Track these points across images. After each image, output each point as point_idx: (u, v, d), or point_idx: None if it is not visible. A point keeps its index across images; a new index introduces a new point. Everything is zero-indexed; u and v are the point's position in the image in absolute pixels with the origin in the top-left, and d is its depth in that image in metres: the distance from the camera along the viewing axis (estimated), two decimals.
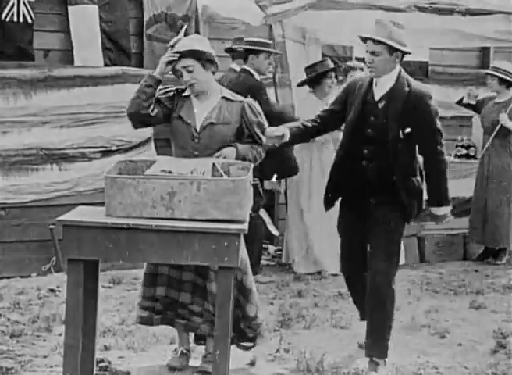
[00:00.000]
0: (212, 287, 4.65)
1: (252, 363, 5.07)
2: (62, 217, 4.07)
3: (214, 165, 4.43)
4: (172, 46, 4.63)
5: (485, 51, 9.87)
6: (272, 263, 8.05)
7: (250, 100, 4.85)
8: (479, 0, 8.59)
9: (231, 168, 4.47)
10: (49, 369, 4.88)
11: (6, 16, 7.48)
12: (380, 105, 4.86)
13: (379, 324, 4.89)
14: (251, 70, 7.26)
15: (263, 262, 7.85)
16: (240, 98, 4.81)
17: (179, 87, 4.82)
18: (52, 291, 6.67)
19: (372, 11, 7.95)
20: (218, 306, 4.04)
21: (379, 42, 4.74)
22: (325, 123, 5.08)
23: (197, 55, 4.63)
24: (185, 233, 3.97)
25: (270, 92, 7.70)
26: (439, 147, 4.89)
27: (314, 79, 7.57)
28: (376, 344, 4.91)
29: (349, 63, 8.28)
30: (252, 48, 7.28)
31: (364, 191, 4.94)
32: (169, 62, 4.62)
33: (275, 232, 4.59)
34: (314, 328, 5.71)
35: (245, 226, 4.03)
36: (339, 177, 5.04)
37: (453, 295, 6.99)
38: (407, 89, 4.82)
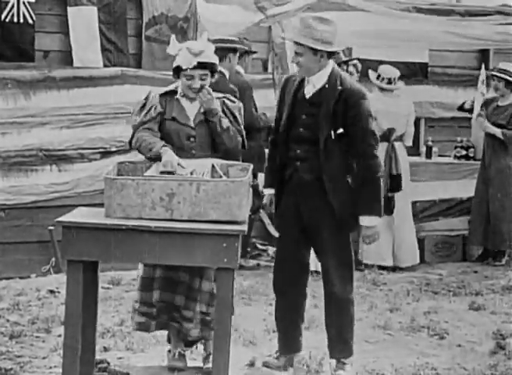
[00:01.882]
0: (206, 286, 4.66)
1: (252, 364, 5.07)
2: (61, 218, 4.08)
3: (213, 166, 4.44)
4: (197, 55, 4.61)
5: (484, 53, 9.87)
6: (271, 264, 8.05)
7: (228, 95, 4.89)
8: (479, 1, 8.60)
9: (230, 169, 4.49)
10: (48, 371, 4.87)
11: (6, 17, 7.49)
12: (311, 104, 4.69)
13: (346, 328, 4.85)
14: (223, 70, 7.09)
15: (262, 263, 7.85)
16: (220, 94, 4.84)
17: (167, 89, 4.81)
18: (52, 292, 6.67)
19: (372, 12, 7.96)
20: (218, 307, 4.04)
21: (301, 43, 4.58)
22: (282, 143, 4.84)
23: (213, 68, 4.69)
24: (184, 234, 3.97)
25: (270, 92, 7.72)
26: (370, 149, 4.64)
27: None
28: (344, 347, 4.88)
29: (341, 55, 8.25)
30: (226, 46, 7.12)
31: (298, 192, 4.78)
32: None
33: (274, 233, 4.59)
34: (314, 329, 5.70)
35: (244, 227, 4.04)
36: (277, 177, 4.85)
37: (452, 296, 6.99)
38: (339, 88, 4.63)
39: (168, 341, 4.99)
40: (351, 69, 8.27)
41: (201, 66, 4.62)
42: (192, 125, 4.71)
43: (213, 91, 4.76)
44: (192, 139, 4.69)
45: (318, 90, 4.68)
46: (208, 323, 4.73)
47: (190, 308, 4.70)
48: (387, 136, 7.82)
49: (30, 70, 7.57)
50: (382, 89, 7.93)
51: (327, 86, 4.66)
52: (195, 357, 5.02)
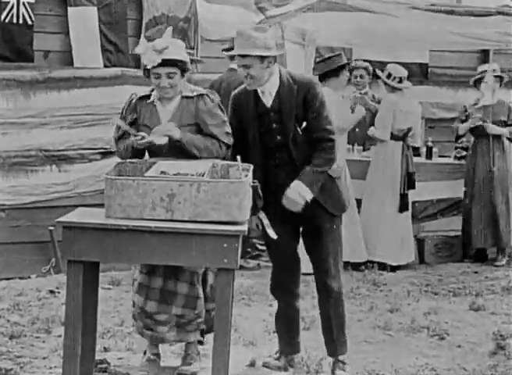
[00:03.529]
0: (182, 288, 4.64)
1: (252, 364, 5.07)
2: (61, 218, 4.08)
3: (213, 166, 4.44)
4: (160, 52, 4.55)
5: (484, 53, 9.88)
6: (271, 265, 8.04)
7: (208, 91, 4.79)
8: (479, 1, 8.60)
9: (230, 170, 4.48)
10: (48, 371, 4.88)
11: (6, 18, 7.48)
12: (275, 111, 4.72)
13: (340, 326, 4.96)
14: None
15: (262, 263, 7.85)
16: (201, 90, 4.76)
17: (145, 92, 4.76)
18: (52, 292, 6.68)
19: (371, 13, 7.95)
20: (218, 307, 4.04)
21: (247, 55, 4.59)
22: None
23: (181, 66, 4.62)
24: (184, 234, 3.97)
25: None
26: (327, 126, 4.68)
27: (334, 70, 7.44)
28: (343, 343, 4.97)
29: (352, 63, 8.28)
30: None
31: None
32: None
33: (273, 235, 4.57)
34: (314, 329, 5.70)
35: (244, 227, 4.04)
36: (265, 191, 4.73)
37: (452, 297, 6.99)
38: (294, 86, 4.68)
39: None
40: (362, 72, 8.28)
41: (166, 63, 4.54)
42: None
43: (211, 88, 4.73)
44: (166, 147, 4.60)
45: (275, 96, 4.73)
46: (183, 325, 4.70)
47: (163, 311, 4.66)
48: (403, 136, 7.91)
49: (30, 71, 7.56)
50: (393, 88, 7.94)
51: (282, 88, 4.71)
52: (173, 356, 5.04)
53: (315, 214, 4.80)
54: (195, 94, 4.72)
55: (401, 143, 7.95)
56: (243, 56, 4.60)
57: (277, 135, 4.75)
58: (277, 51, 4.69)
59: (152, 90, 4.74)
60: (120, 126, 4.69)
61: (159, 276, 4.64)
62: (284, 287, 4.99)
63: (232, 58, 7.84)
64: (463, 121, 8.53)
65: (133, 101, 4.73)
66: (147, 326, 4.70)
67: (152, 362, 4.86)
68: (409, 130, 7.99)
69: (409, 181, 7.94)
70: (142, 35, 8.13)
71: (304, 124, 4.70)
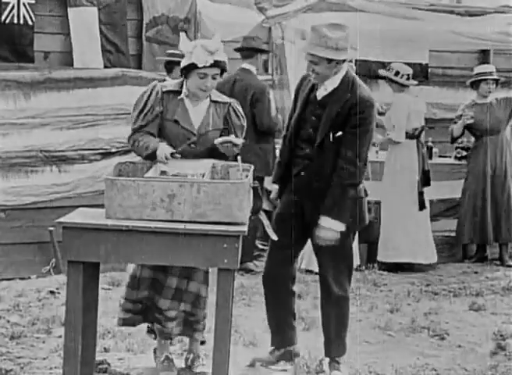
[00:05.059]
0: (193, 287, 4.67)
1: (252, 364, 5.07)
2: (61, 219, 4.08)
3: (213, 166, 4.44)
4: (213, 53, 4.54)
5: (484, 53, 9.88)
6: None
7: (234, 101, 4.81)
8: (479, 1, 8.60)
9: (231, 170, 4.48)
10: (49, 371, 4.88)
11: (6, 18, 7.49)
12: (320, 105, 4.74)
13: (343, 327, 4.93)
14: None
15: (262, 264, 7.85)
16: (227, 99, 4.78)
17: (171, 87, 4.71)
18: (52, 292, 6.67)
19: (371, 13, 7.96)
20: (218, 307, 4.04)
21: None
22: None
23: (224, 69, 4.64)
24: (185, 235, 3.97)
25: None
26: (354, 156, 4.64)
27: None
28: (341, 345, 4.94)
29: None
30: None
31: (303, 190, 4.82)
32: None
33: (273, 236, 4.57)
34: (314, 330, 5.71)
35: (245, 228, 4.04)
36: (285, 175, 4.87)
37: (452, 297, 6.99)
38: (348, 94, 4.67)
39: (150, 332, 4.95)
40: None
41: (216, 64, 4.56)
42: (195, 132, 4.63)
43: (221, 92, 4.74)
44: (193, 146, 4.62)
45: (328, 93, 4.74)
46: (191, 323, 4.74)
47: (174, 308, 4.68)
48: (417, 134, 7.93)
49: (30, 71, 7.57)
50: (402, 86, 7.93)
51: (338, 90, 4.71)
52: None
53: None
54: (223, 101, 4.74)
55: (415, 141, 7.97)
56: (312, 54, 4.61)
57: (310, 128, 4.77)
58: (347, 54, 4.63)
59: (181, 86, 4.71)
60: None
61: (175, 275, 4.66)
62: (278, 278, 4.96)
63: (245, 57, 7.80)
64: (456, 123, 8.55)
65: (159, 93, 4.68)
66: (158, 320, 4.72)
67: (170, 362, 4.86)
68: (423, 128, 8.03)
69: (425, 179, 7.99)
70: (143, 36, 8.15)
71: (339, 134, 4.67)
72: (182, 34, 4.76)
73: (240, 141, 4.56)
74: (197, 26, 8.29)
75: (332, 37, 4.56)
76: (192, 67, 4.55)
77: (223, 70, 4.63)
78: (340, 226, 4.69)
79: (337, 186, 4.69)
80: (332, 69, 4.65)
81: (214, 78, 4.59)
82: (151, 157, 4.52)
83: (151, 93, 4.67)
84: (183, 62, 4.59)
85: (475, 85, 8.43)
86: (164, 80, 6.81)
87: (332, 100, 4.71)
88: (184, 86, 4.67)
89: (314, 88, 4.79)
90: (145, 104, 4.66)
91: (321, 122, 4.71)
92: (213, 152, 4.60)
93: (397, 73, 7.92)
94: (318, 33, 4.58)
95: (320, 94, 4.76)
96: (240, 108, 4.80)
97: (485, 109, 8.31)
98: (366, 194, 4.87)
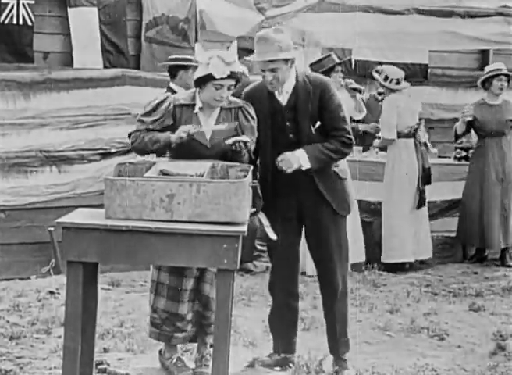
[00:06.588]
0: (205, 288, 4.67)
1: (251, 365, 5.07)
2: (61, 219, 4.07)
3: (213, 166, 4.44)
4: (229, 64, 4.51)
5: (484, 54, 9.88)
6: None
7: (245, 104, 4.76)
8: (479, 2, 8.61)
9: (230, 170, 4.48)
10: (48, 372, 4.87)
11: (6, 18, 7.49)
12: (289, 109, 4.77)
13: (343, 326, 4.97)
14: (175, 87, 6.84)
15: (262, 264, 7.85)
16: (240, 102, 4.74)
17: (185, 101, 4.68)
18: (51, 293, 6.67)
19: (371, 13, 7.96)
20: (218, 308, 4.03)
21: (274, 59, 4.63)
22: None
23: (240, 80, 4.62)
24: (184, 235, 3.97)
25: None
26: (345, 126, 4.76)
27: (326, 71, 7.41)
28: (344, 343, 4.97)
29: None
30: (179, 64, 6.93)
31: (298, 192, 4.82)
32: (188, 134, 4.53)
33: (272, 236, 4.57)
34: (314, 330, 5.71)
35: (244, 228, 4.04)
36: (274, 186, 4.83)
37: (452, 297, 6.98)
38: (310, 86, 4.74)
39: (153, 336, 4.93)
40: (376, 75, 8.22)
41: (232, 75, 4.53)
42: (208, 145, 4.59)
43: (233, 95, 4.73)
44: (207, 154, 4.57)
45: (291, 94, 4.78)
46: (204, 326, 4.74)
47: (190, 310, 4.70)
48: (413, 132, 7.94)
49: (29, 72, 7.57)
50: (391, 90, 7.95)
51: (298, 87, 4.76)
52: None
53: (320, 212, 4.82)
54: (233, 106, 4.70)
55: (412, 140, 7.98)
56: (271, 61, 4.63)
57: (290, 134, 4.79)
58: (297, 51, 4.79)
59: (193, 98, 4.67)
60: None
61: (192, 277, 4.66)
62: (283, 285, 4.99)
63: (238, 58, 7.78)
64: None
65: (171, 106, 4.64)
66: (180, 329, 4.70)
67: (183, 363, 4.85)
68: (418, 125, 8.04)
69: (425, 177, 8.01)
70: (142, 36, 8.15)
71: (318, 124, 4.75)
72: (197, 44, 4.78)
73: (249, 139, 4.56)
74: (197, 26, 8.29)
75: (281, 39, 4.64)
76: (208, 78, 4.52)
77: (238, 81, 4.61)
78: (306, 164, 4.71)
79: (332, 143, 4.74)
80: (289, 70, 4.71)
81: (229, 89, 4.58)
82: (159, 151, 4.52)
83: (163, 101, 4.64)
84: (198, 73, 4.56)
85: (487, 83, 8.39)
86: (168, 83, 6.81)
87: (298, 97, 4.75)
88: (197, 97, 4.64)
89: (272, 97, 4.78)
90: (156, 109, 4.63)
91: (299, 121, 4.75)
92: (225, 156, 4.60)
93: (386, 78, 7.94)
94: (267, 40, 4.64)
95: (283, 99, 4.78)
96: (251, 110, 4.74)
97: (493, 110, 8.30)
98: (345, 178, 4.92)
